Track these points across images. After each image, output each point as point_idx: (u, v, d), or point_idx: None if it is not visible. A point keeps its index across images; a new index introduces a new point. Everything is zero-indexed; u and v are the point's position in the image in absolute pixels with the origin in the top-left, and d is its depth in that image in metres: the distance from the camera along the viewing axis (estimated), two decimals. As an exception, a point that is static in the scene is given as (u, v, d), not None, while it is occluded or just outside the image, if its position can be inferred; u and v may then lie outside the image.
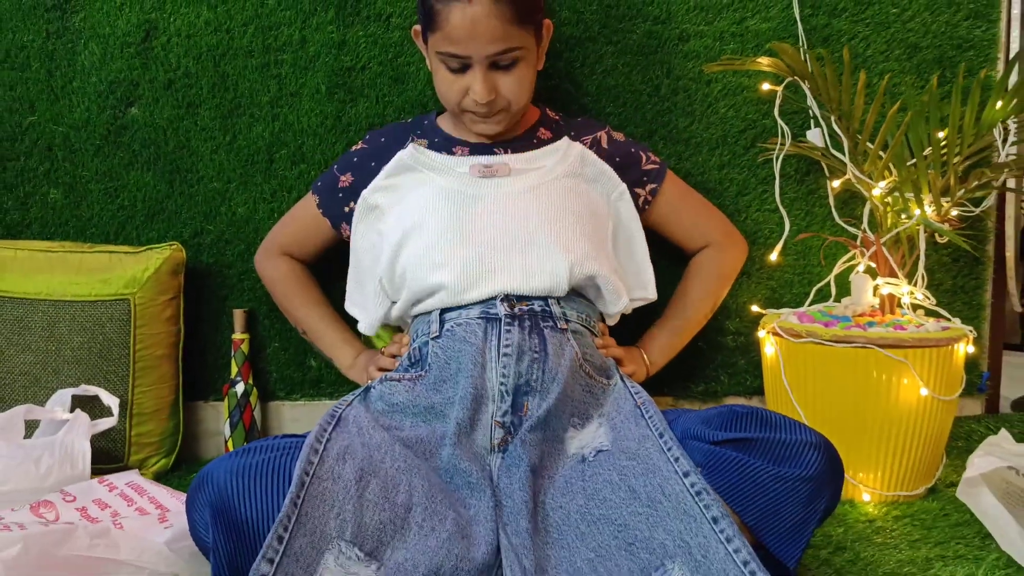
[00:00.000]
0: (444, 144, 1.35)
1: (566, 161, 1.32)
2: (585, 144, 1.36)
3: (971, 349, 1.35)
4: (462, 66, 1.24)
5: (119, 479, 1.13)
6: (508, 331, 1.15)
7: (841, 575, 1.10)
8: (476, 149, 1.34)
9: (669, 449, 0.98)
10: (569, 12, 1.52)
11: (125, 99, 1.54)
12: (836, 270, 1.47)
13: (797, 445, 0.96)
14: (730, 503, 0.94)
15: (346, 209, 1.39)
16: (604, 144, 1.39)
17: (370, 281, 1.33)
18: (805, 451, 0.95)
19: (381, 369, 1.31)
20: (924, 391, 1.27)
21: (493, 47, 1.21)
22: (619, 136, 1.42)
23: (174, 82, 1.54)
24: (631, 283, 1.34)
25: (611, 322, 1.34)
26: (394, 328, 1.43)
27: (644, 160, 1.41)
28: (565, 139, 1.35)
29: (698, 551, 0.87)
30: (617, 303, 1.28)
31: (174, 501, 1.08)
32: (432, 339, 1.19)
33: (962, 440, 1.56)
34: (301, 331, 1.47)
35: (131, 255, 1.47)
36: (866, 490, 1.32)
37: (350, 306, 1.39)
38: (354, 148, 1.42)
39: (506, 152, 1.33)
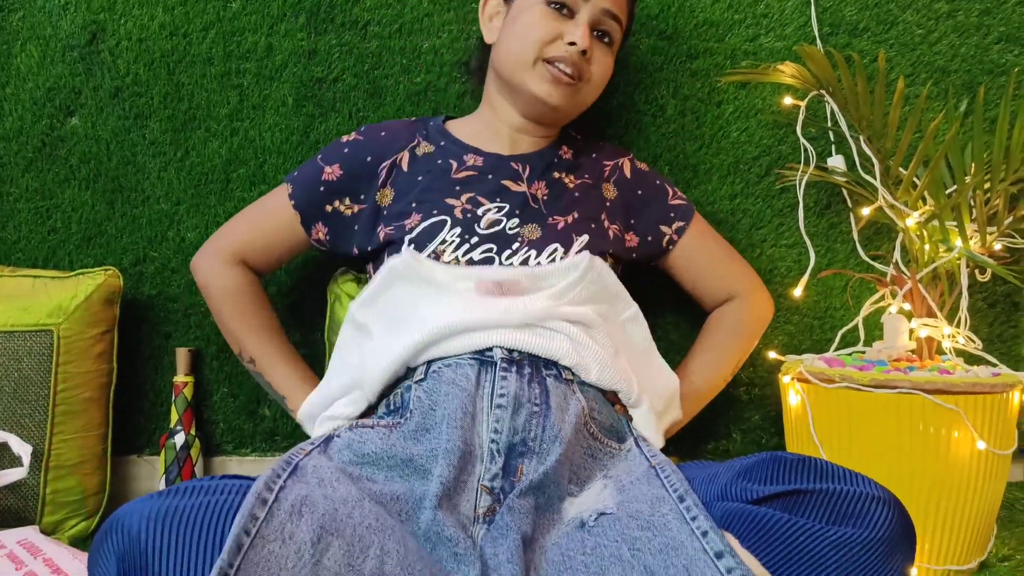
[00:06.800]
0: (454, 150, 1.18)
1: (580, 283, 1.09)
2: (606, 170, 1.22)
3: (1027, 399, 1.19)
4: (566, 11, 1.13)
5: (9, 536, 0.91)
6: (504, 377, 0.96)
7: (904, 666, 0.90)
8: (490, 160, 1.16)
9: (694, 519, 0.80)
10: (566, 24, 1.37)
11: (65, 108, 1.37)
12: (864, 311, 1.31)
13: (862, 499, 0.77)
14: None
15: (327, 208, 1.19)
16: (627, 173, 1.24)
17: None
18: (872, 506, 0.77)
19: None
20: (981, 444, 1.09)
21: (608, 1, 1.13)
22: (643, 166, 1.27)
23: (121, 90, 1.37)
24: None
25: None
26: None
27: (671, 194, 1.25)
28: (585, 254, 1.11)
29: None
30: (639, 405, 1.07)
31: (76, 564, 0.86)
32: (416, 382, 0.99)
33: (1004, 509, 1.38)
34: (247, 359, 1.22)
35: (58, 280, 1.27)
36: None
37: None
38: (345, 138, 1.21)
39: (524, 168, 1.16)
